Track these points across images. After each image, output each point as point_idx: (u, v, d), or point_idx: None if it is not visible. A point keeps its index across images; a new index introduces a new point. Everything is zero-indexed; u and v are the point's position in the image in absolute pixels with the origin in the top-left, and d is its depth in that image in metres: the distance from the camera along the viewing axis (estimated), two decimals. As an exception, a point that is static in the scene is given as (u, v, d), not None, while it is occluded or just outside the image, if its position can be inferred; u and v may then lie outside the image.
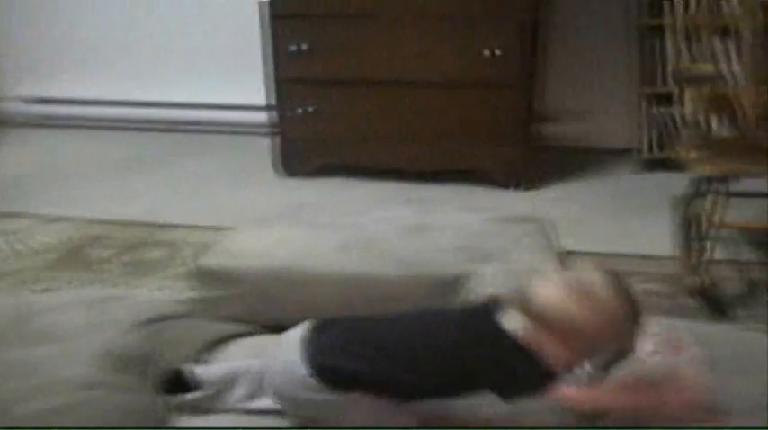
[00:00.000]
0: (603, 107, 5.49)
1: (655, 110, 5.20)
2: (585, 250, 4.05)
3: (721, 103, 4.09)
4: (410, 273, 2.52)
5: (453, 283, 2.50)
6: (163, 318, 2.54)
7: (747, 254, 4.18)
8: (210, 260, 2.68)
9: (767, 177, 3.86)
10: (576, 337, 1.88)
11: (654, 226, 4.40)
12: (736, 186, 4.16)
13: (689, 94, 3.80)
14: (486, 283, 2.44)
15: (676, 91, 4.04)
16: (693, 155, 3.77)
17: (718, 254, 4.13)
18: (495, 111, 4.80)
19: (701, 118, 3.99)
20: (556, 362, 1.89)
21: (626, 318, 1.90)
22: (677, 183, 4.26)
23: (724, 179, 3.74)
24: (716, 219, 3.72)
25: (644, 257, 4.10)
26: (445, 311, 2.15)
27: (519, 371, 1.90)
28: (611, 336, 1.91)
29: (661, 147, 5.20)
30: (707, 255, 3.83)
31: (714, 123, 4.31)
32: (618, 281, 1.91)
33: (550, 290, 1.92)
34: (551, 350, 1.88)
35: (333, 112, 4.98)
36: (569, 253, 3.74)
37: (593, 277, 1.90)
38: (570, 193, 4.92)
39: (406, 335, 2.01)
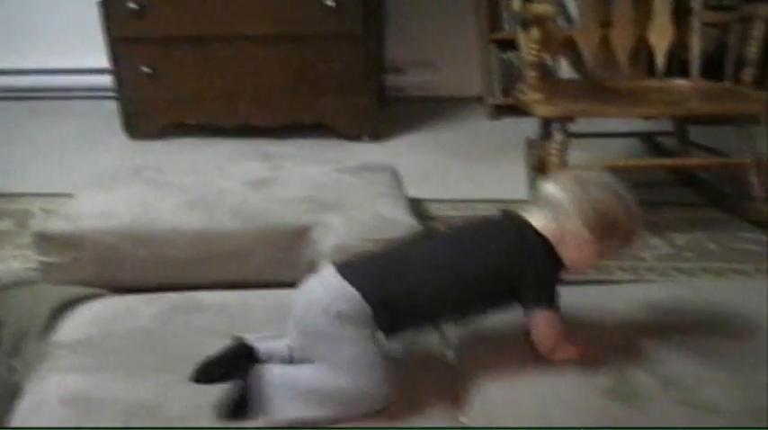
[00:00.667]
0: (452, 56, 5.51)
1: (502, 55, 5.23)
2: (439, 197, 4.08)
3: (562, 45, 4.15)
4: (255, 227, 2.50)
5: (299, 234, 2.49)
6: (10, 286, 2.48)
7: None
8: (49, 225, 2.61)
9: (610, 117, 3.92)
10: (591, 229, 2.04)
11: (506, 171, 4.44)
12: (586, 127, 4.24)
13: (526, 37, 3.81)
14: (331, 232, 2.42)
15: (518, 35, 4.05)
16: (533, 97, 3.80)
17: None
18: (340, 62, 4.76)
19: (544, 60, 4.02)
20: (571, 264, 2.08)
21: (632, 212, 2.08)
22: (528, 127, 4.31)
23: (566, 120, 3.78)
24: (559, 160, 3.76)
25: (497, 202, 4.13)
26: (475, 226, 2.22)
27: (546, 276, 2.07)
28: (622, 227, 2.08)
29: (510, 93, 5.24)
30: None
31: (558, 65, 4.37)
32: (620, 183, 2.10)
33: (562, 184, 2.09)
34: (569, 251, 2.06)
35: (172, 72, 4.87)
36: (421, 200, 3.77)
37: (601, 176, 2.11)
38: (422, 143, 4.93)
39: (448, 253, 2.09)
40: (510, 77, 5.16)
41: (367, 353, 1.99)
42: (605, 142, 4.53)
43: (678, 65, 4.25)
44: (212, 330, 2.27)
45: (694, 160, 4.14)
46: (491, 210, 3.91)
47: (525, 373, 2.09)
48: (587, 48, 4.10)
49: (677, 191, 4.32)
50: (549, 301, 2.08)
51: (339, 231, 2.42)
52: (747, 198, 3.92)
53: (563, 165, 3.75)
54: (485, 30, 5.27)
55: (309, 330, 2.01)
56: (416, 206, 3.40)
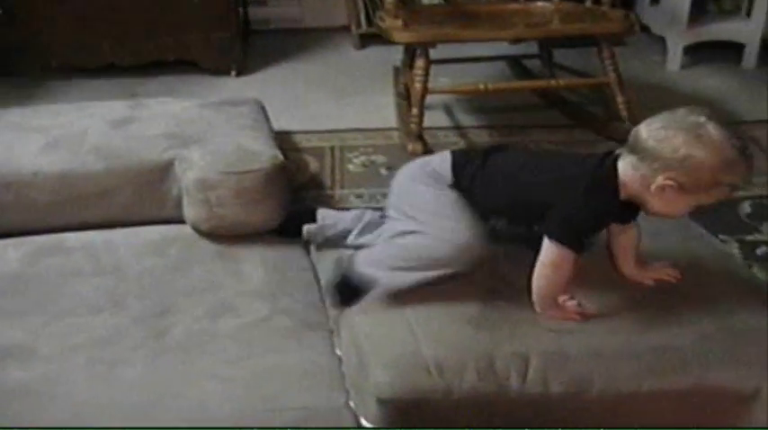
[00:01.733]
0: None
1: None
2: (308, 129, 4.07)
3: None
4: (118, 166, 2.46)
5: (162, 170, 2.46)
6: None
7: (467, 118, 4.29)
8: None
9: (470, 41, 3.94)
10: (680, 184, 1.94)
11: (375, 100, 4.45)
12: (453, 52, 4.26)
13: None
14: (193, 167, 2.40)
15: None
16: (392, 24, 3.80)
17: (440, 120, 4.23)
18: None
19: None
20: (660, 213, 2.04)
21: (737, 153, 1.92)
22: (395, 56, 4.31)
23: (427, 46, 3.79)
24: (423, 86, 3.78)
25: (367, 130, 4.14)
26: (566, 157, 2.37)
27: (579, 215, 2.03)
28: (725, 171, 1.94)
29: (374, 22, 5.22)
30: (422, 121, 3.89)
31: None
32: (722, 122, 1.95)
33: (655, 129, 1.96)
34: (656, 201, 2.00)
35: (28, 13, 4.70)
36: (289, 133, 3.76)
37: (703, 121, 1.93)
38: (289, 75, 4.89)
39: (525, 168, 2.14)
40: (375, 6, 5.14)
41: (455, 209, 2.11)
42: (473, 67, 4.56)
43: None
44: (79, 271, 2.26)
45: (559, 81, 4.18)
46: (359, 139, 3.99)
47: (397, 306, 2.11)
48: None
49: (546, 113, 4.38)
50: (569, 239, 2.02)
51: (200, 165, 2.40)
52: (613, 118, 3.99)
53: (427, 90, 3.77)
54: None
55: (406, 185, 2.23)
56: (284, 138, 3.40)
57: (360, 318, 2.09)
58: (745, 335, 2.06)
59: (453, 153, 2.21)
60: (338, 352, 2.08)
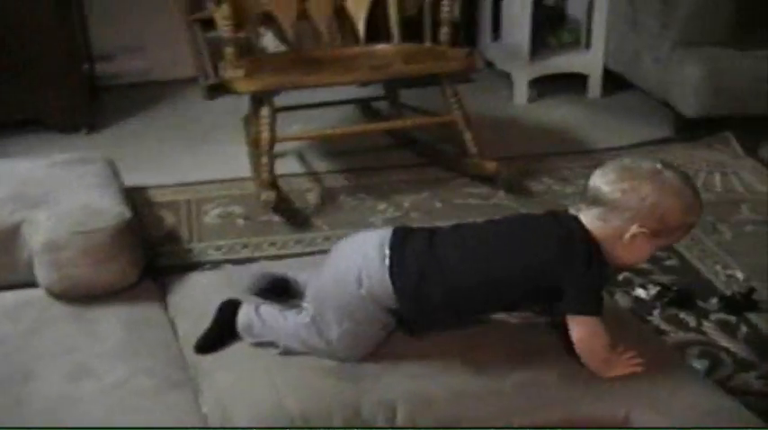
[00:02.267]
0: (160, 39, 5.38)
1: (208, 34, 5.13)
2: (161, 183, 4.02)
3: (262, 20, 4.15)
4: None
5: (10, 234, 2.39)
6: None
7: (321, 164, 4.30)
8: None
9: (312, 86, 3.95)
10: (659, 221, 1.98)
11: (228, 150, 4.42)
12: (303, 99, 4.27)
13: (219, 13, 3.78)
14: (40, 228, 2.34)
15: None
16: (233, 74, 3.79)
17: (294, 167, 4.23)
18: (39, 53, 4.56)
19: (240, 36, 4.01)
20: (625, 262, 2.07)
21: (694, 194, 2.01)
22: (245, 105, 4.29)
23: (269, 94, 3.78)
24: (270, 134, 3.77)
25: (222, 182, 4.12)
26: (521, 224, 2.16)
27: (591, 280, 2.00)
28: (689, 213, 2.02)
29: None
30: (278, 169, 3.89)
31: (264, 40, 4.37)
32: (679, 169, 2.02)
33: (611, 179, 2.00)
34: (623, 251, 2.01)
35: None
36: (142, 188, 3.72)
37: (654, 166, 2.01)
38: (141, 130, 4.83)
39: (485, 252, 2.06)
40: (219, 56, 5.11)
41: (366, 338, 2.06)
42: (324, 112, 4.57)
43: (386, 31, 4.32)
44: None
45: (406, 121, 4.22)
46: (214, 191, 3.96)
47: (258, 358, 2.09)
48: (286, 20, 4.10)
49: (398, 154, 4.42)
50: (594, 308, 2.00)
51: (47, 226, 2.33)
52: (464, 154, 4.04)
53: (275, 138, 3.76)
54: (186, 10, 5.19)
55: (336, 287, 2.06)
56: (137, 194, 3.36)
57: (221, 373, 2.06)
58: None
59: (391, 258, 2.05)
60: (204, 409, 2.04)
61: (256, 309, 2.16)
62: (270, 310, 2.15)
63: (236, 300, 2.21)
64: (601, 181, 2.01)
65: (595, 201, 2.01)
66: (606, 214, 1.99)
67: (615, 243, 2.00)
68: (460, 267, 2.02)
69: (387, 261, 2.01)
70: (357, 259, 2.04)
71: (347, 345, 2.05)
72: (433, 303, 2.02)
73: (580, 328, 2.01)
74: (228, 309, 2.19)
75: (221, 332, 2.17)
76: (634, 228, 1.97)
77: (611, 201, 1.99)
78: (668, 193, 1.97)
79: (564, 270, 1.99)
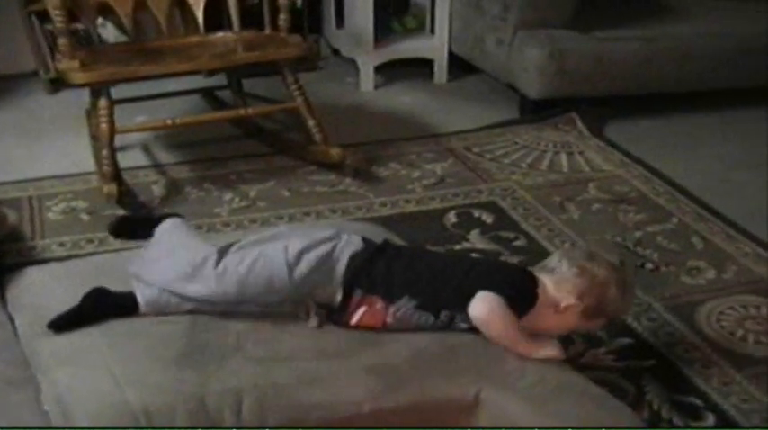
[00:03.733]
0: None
1: (45, 26, 5.02)
2: (2, 180, 3.94)
3: (99, 10, 4.07)
4: None
5: None
6: None
7: (166, 156, 4.26)
8: None
9: (148, 76, 3.90)
10: (584, 310, 2.28)
11: (71, 144, 4.34)
12: (148, 89, 4.22)
13: (50, 3, 3.69)
14: None
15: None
16: (68, 65, 3.72)
17: (139, 160, 4.18)
18: None
19: (73, 27, 3.94)
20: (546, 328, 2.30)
21: (632, 297, 2.44)
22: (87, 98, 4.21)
23: (106, 85, 3.73)
24: (109, 126, 3.72)
25: (65, 176, 4.04)
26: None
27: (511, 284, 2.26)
28: (619, 309, 2.39)
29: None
30: (121, 162, 3.84)
31: (104, 31, 4.30)
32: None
33: (572, 260, 2.32)
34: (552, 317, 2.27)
35: None
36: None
37: (613, 264, 2.33)
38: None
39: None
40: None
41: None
42: (170, 102, 4.51)
43: (228, 19, 4.29)
44: None
45: (248, 110, 4.20)
46: (57, 186, 3.88)
47: (98, 353, 2.06)
48: (122, 10, 4.02)
49: (245, 143, 4.40)
50: (499, 290, 2.20)
51: None
52: (309, 142, 4.05)
53: (114, 130, 3.71)
54: (21, 2, 5.07)
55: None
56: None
57: (61, 370, 2.03)
58: (458, 348, 2.13)
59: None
60: (46, 407, 2.01)
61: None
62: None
63: (104, 288, 2.25)
64: (561, 254, 2.36)
65: (549, 267, 2.31)
66: (552, 282, 2.27)
67: (549, 308, 2.25)
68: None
69: None
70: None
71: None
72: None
73: (475, 303, 2.20)
74: (92, 296, 2.23)
75: (81, 316, 2.19)
76: (572, 300, 2.22)
77: (560, 273, 2.28)
78: (617, 285, 2.27)
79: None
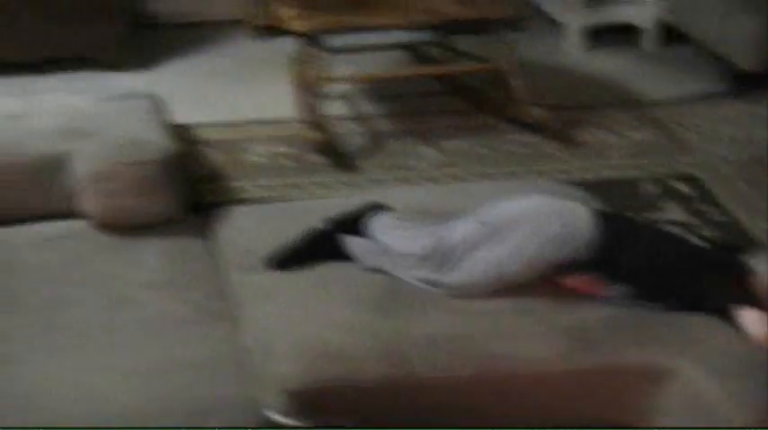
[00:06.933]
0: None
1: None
2: (208, 121, 4.01)
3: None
4: (9, 159, 2.40)
5: (56, 164, 2.40)
6: None
7: (368, 107, 4.27)
8: None
9: (366, 28, 3.91)
10: None
11: (274, 90, 4.39)
12: (350, 41, 4.24)
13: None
14: (87, 160, 2.35)
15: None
16: (287, 13, 3.77)
17: (342, 109, 4.21)
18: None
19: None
20: None
21: None
22: (293, 46, 4.27)
23: (322, 34, 3.76)
24: (321, 75, 3.75)
25: (268, 122, 4.10)
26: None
27: None
28: None
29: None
30: (324, 111, 3.88)
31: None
32: None
33: None
34: None
35: None
36: (188, 126, 3.71)
37: None
38: (186, 69, 4.81)
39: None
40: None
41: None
42: (373, 55, 4.53)
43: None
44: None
45: (455, 66, 4.18)
46: (260, 130, 3.94)
47: (299, 294, 2.09)
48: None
49: (446, 99, 4.37)
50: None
51: (95, 157, 2.35)
52: (511, 102, 4.01)
53: (323, 80, 3.74)
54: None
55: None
56: (183, 131, 3.34)
57: (262, 307, 2.06)
58: (652, 320, 2.09)
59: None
60: (241, 341, 2.05)
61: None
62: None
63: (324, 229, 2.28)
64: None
65: None
66: None
67: None
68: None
69: None
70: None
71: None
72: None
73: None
74: (311, 236, 2.26)
75: (299, 255, 2.23)
76: None
77: None
78: None
79: None
